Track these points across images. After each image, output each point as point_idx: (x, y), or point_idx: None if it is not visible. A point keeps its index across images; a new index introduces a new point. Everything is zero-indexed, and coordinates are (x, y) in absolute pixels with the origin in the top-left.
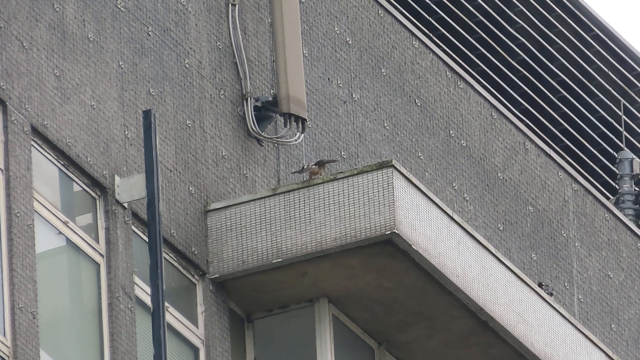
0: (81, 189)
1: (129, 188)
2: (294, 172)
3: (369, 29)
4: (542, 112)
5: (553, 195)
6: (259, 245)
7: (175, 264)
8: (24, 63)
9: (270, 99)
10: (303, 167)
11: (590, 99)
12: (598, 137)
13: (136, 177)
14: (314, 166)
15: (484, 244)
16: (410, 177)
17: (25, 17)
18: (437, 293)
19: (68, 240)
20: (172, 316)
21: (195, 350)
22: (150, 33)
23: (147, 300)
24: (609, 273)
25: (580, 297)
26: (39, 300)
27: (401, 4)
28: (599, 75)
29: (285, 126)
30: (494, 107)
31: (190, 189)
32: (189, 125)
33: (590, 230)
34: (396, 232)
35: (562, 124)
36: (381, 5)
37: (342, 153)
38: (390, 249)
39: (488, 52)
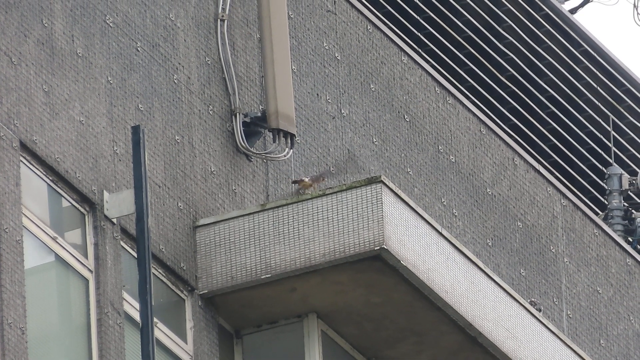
0: (70, 204)
1: (118, 204)
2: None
3: (358, 44)
4: (531, 128)
5: (542, 210)
6: (247, 260)
7: (164, 279)
8: (12, 79)
9: (259, 114)
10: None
11: (579, 114)
12: (587, 152)
13: (125, 193)
14: (307, 180)
15: (473, 260)
16: (399, 192)
17: (13, 32)
18: (426, 309)
19: (57, 256)
20: (161, 332)
21: None
22: (139, 49)
23: (136, 315)
24: (598, 289)
25: (569, 312)
26: (28, 316)
27: (390, 20)
28: (587, 91)
29: (274, 142)
30: (483, 122)
31: (179, 204)
32: (178, 140)
33: (579, 245)
34: (385, 247)
35: (551, 140)
36: (370, 21)
37: (331, 168)
38: (379, 264)
39: (477, 67)
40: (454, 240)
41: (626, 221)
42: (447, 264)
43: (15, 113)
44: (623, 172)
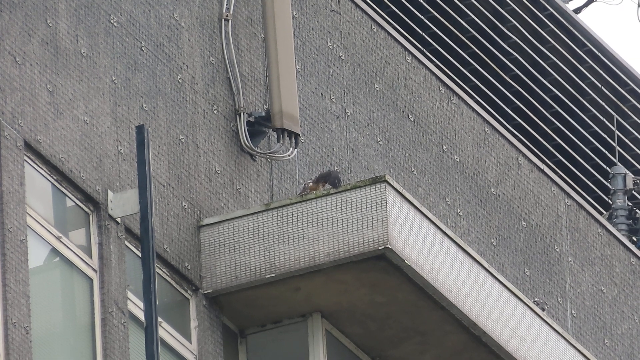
0: (74, 204)
1: (122, 203)
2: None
3: (362, 44)
4: (535, 127)
5: (546, 210)
6: (252, 260)
7: (169, 279)
8: (16, 78)
9: (263, 114)
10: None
11: (583, 114)
12: (591, 152)
13: (129, 192)
14: (311, 184)
15: (477, 259)
16: (404, 192)
17: (18, 32)
18: (431, 308)
19: (61, 255)
20: (165, 331)
21: None
22: (143, 48)
23: (140, 315)
24: (602, 288)
25: (573, 312)
26: (32, 315)
27: (394, 19)
28: (592, 91)
29: (279, 141)
30: (487, 122)
31: (184, 204)
32: (182, 140)
33: (583, 245)
34: (389, 247)
35: (555, 139)
36: (374, 21)
37: (336, 168)
38: (384, 264)
39: (481, 67)
40: (458, 240)
41: (630, 220)
42: (451, 263)
43: (19, 112)
44: (627, 171)
